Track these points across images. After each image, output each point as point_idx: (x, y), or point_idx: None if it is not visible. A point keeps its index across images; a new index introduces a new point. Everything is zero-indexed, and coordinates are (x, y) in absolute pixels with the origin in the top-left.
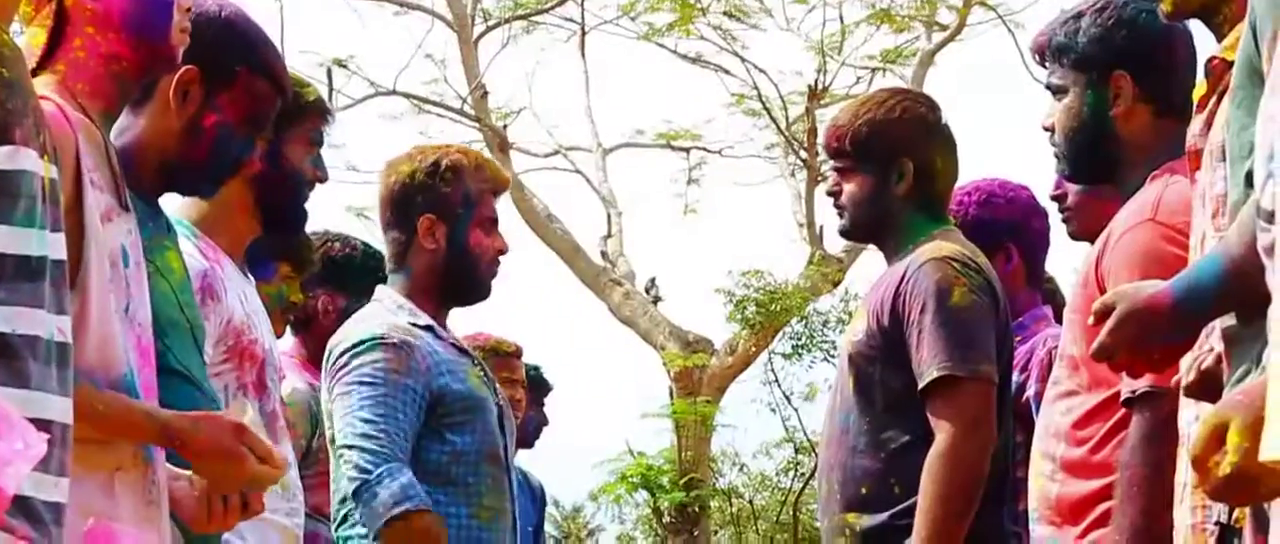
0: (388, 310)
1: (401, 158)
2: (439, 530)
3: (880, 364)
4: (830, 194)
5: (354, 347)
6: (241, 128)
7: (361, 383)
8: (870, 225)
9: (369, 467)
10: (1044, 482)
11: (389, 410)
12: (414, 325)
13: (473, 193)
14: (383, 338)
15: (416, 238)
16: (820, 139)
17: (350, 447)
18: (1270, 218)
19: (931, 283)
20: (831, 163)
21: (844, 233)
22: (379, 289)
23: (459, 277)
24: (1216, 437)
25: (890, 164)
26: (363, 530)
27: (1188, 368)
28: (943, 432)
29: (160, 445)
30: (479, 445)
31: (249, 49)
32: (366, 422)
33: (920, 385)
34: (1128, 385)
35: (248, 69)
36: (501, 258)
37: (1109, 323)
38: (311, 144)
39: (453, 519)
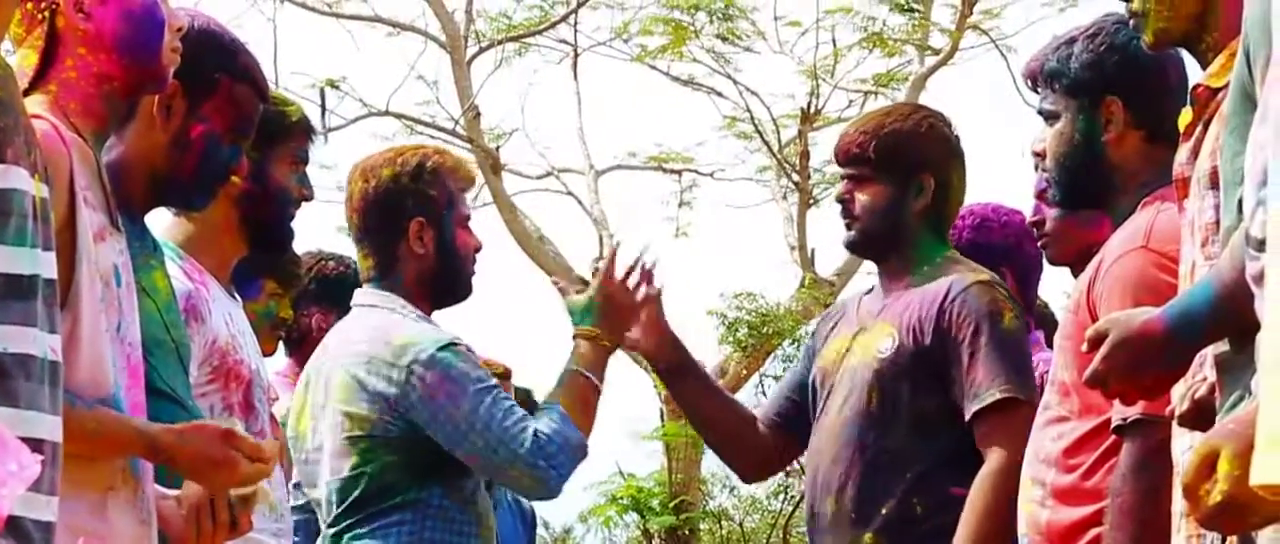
0: (411, 318)
1: (378, 161)
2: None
3: (910, 382)
4: (840, 201)
5: (441, 349)
6: (227, 136)
7: (472, 380)
8: (881, 238)
9: (538, 453)
10: (1034, 508)
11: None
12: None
13: (454, 193)
14: (459, 342)
15: (406, 242)
16: (834, 148)
17: (502, 442)
18: (1259, 246)
19: (983, 306)
20: (846, 171)
21: (850, 245)
22: (375, 296)
23: (449, 278)
24: (1207, 465)
25: (911, 178)
26: None
27: (1181, 397)
28: (999, 452)
29: (149, 460)
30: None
31: (228, 56)
32: (494, 403)
33: (977, 407)
34: (1119, 413)
35: (229, 76)
36: (479, 255)
37: (1102, 350)
38: (296, 162)
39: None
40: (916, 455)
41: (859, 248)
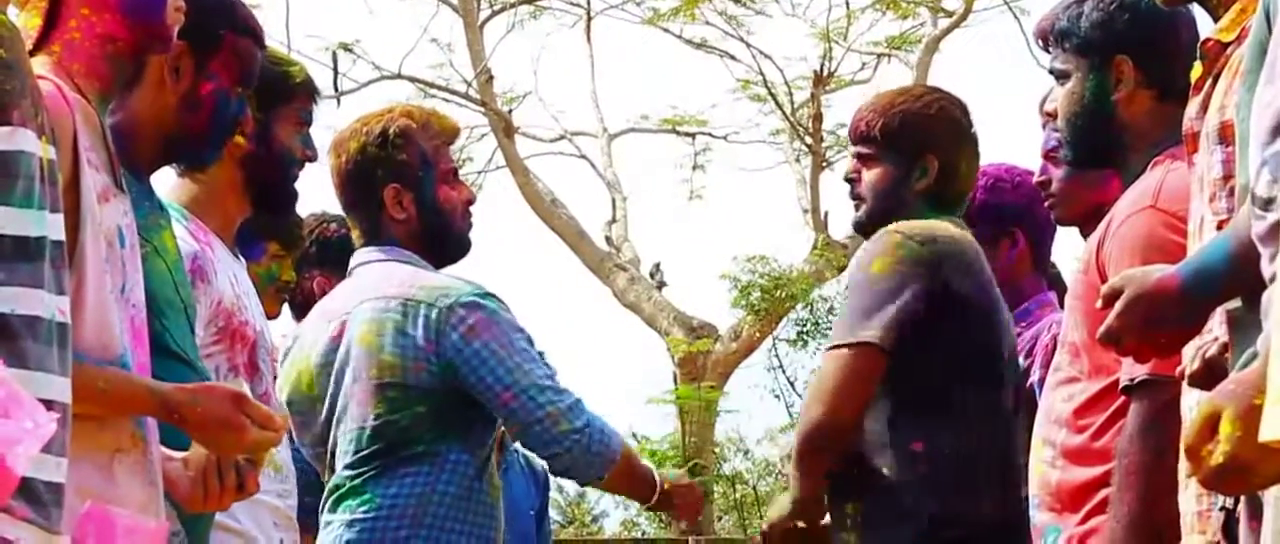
0: (431, 270)
1: (346, 134)
2: (631, 450)
3: None
4: (847, 180)
5: (482, 297)
6: (234, 89)
7: (517, 330)
8: (884, 217)
9: (582, 410)
10: (1044, 468)
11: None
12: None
13: (428, 151)
14: (490, 295)
15: (385, 211)
16: (847, 124)
17: (545, 387)
18: (1266, 204)
19: (865, 249)
20: (855, 149)
21: (858, 226)
22: (380, 252)
23: (438, 237)
24: (1209, 425)
25: (915, 158)
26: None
27: (1192, 356)
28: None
29: (161, 418)
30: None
31: (228, 10)
32: (530, 360)
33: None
34: (1127, 373)
35: (232, 31)
36: (473, 208)
37: (1116, 306)
38: (300, 123)
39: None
40: (875, 411)
41: (866, 228)
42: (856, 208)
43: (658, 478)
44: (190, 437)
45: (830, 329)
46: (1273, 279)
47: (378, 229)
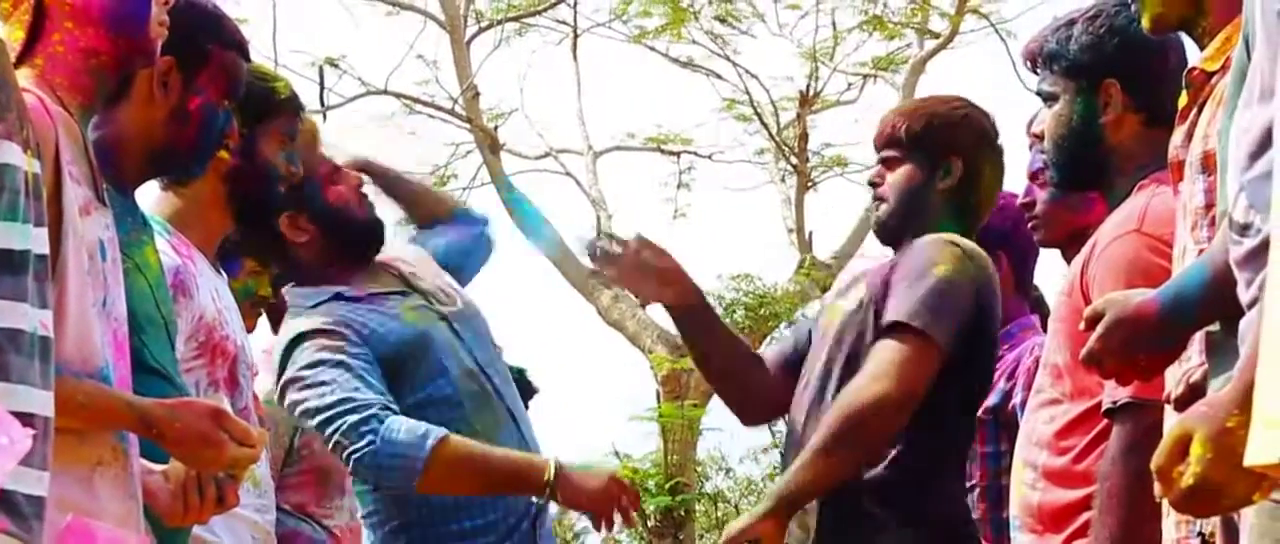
0: (293, 314)
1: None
2: (471, 448)
3: (873, 335)
4: (871, 184)
5: (289, 345)
6: (222, 103)
7: (311, 365)
8: (905, 217)
9: (368, 427)
10: (1026, 490)
11: (352, 372)
12: (319, 304)
13: (271, 158)
14: (308, 331)
15: (288, 240)
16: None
17: (331, 415)
18: (1243, 230)
19: (923, 249)
20: (881, 155)
21: (880, 226)
22: (298, 298)
23: (342, 235)
24: (1180, 447)
25: (939, 159)
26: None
27: (1177, 381)
28: (869, 370)
29: (140, 434)
30: (448, 378)
31: (215, 24)
32: (328, 382)
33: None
34: (1109, 396)
35: (219, 45)
36: (365, 189)
37: (1098, 329)
38: (285, 139)
39: None
40: None
41: (885, 232)
42: (877, 207)
43: (551, 468)
44: (169, 453)
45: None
46: (1250, 304)
47: (288, 259)
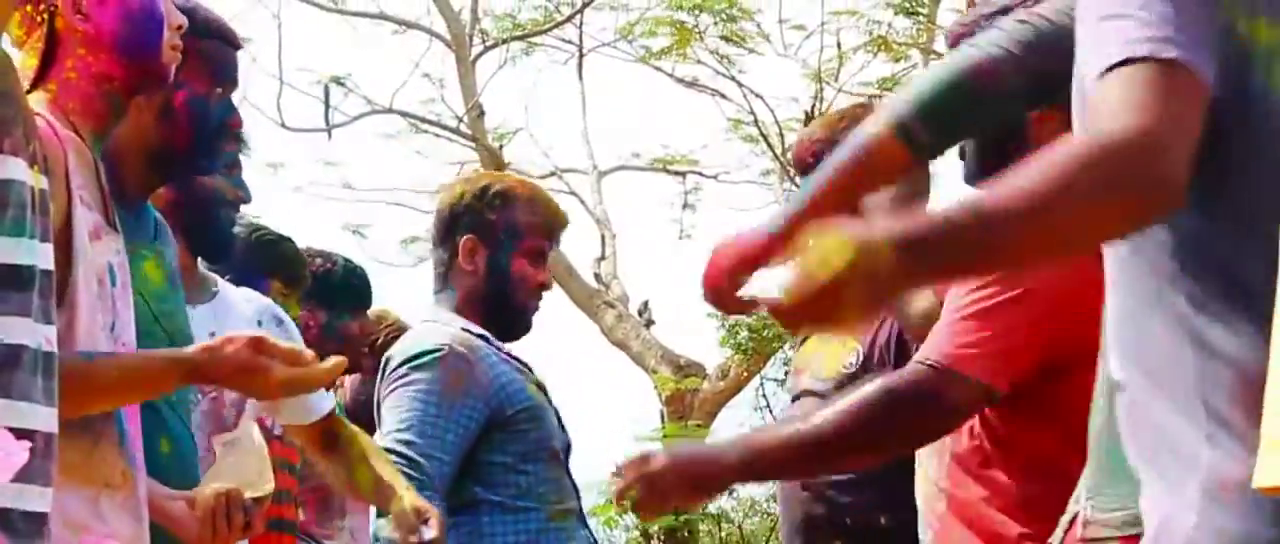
0: (445, 323)
1: (458, 179)
2: None
3: None
4: None
5: (414, 359)
6: (212, 93)
7: (415, 399)
8: None
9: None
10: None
11: (436, 432)
12: (468, 332)
13: (520, 222)
14: (442, 353)
15: (456, 260)
16: (792, 157)
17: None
18: None
19: None
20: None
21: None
22: (429, 308)
23: (498, 302)
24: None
25: None
26: None
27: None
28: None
29: (190, 384)
30: (542, 449)
31: (189, 15)
32: (407, 444)
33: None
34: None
35: (193, 35)
36: (544, 292)
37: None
38: (230, 165)
39: (530, 524)
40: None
41: None
42: None
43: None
44: (224, 387)
45: None
46: None
47: (445, 276)
